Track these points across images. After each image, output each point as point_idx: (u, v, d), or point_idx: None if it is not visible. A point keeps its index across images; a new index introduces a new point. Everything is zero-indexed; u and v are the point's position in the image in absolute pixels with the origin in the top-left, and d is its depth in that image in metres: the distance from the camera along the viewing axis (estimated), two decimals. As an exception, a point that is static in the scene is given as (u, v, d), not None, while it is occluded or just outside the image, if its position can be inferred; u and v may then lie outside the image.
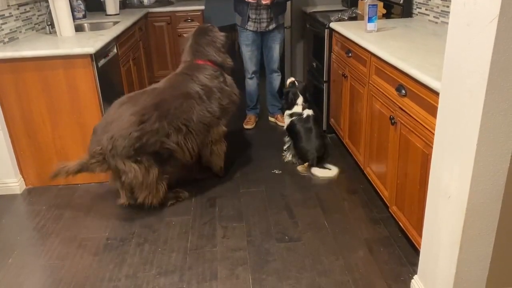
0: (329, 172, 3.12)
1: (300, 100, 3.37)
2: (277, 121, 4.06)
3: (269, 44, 3.77)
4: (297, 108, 3.36)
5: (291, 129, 3.36)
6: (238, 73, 4.20)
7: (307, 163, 3.19)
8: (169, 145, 2.61)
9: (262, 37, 3.76)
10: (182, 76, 2.82)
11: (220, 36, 3.04)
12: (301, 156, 3.26)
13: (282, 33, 3.82)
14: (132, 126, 2.49)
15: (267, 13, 3.58)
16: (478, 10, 1.36)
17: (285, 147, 3.45)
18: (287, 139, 3.46)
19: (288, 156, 3.36)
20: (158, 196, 2.67)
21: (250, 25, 3.65)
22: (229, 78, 2.99)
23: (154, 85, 2.86)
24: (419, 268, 1.97)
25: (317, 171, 3.13)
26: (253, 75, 3.91)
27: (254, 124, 4.07)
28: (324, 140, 3.45)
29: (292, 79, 3.54)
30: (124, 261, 2.35)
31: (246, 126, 4.04)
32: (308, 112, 3.34)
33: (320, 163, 3.19)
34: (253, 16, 3.60)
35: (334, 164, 3.22)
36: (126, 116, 2.52)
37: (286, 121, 3.46)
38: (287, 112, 3.44)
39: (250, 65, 3.86)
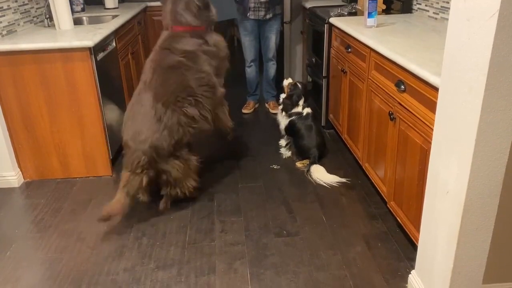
0: (327, 176, 3.01)
1: (301, 101, 3.37)
2: (269, 108, 4.28)
3: (266, 34, 4.01)
4: (297, 108, 3.36)
5: (291, 128, 3.35)
6: (238, 65, 4.30)
7: (305, 160, 3.19)
8: (192, 125, 2.62)
9: (259, 27, 3.99)
10: (162, 52, 2.73)
11: None
12: (302, 153, 3.25)
13: (279, 23, 4.05)
14: (158, 127, 2.50)
15: (265, 2, 3.83)
16: (478, 5, 1.36)
17: (284, 144, 3.45)
18: (285, 137, 3.44)
19: (288, 153, 3.36)
20: (194, 185, 2.68)
21: (251, 14, 3.89)
22: (213, 38, 2.89)
23: (142, 77, 2.74)
24: (417, 263, 1.98)
25: (316, 172, 3.03)
26: (251, 64, 4.17)
27: (252, 110, 4.31)
28: (323, 137, 3.45)
29: (291, 80, 3.51)
30: (122, 255, 2.35)
31: (244, 111, 4.28)
32: (307, 110, 3.35)
33: (319, 161, 3.18)
34: (252, 5, 3.84)
35: (333, 160, 3.23)
36: (146, 122, 2.51)
37: (283, 121, 3.43)
38: (285, 113, 3.42)
39: (249, 54, 4.12)
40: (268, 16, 3.90)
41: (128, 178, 2.51)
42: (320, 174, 3.02)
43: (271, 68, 4.18)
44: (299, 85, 3.44)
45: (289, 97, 3.41)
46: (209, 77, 2.74)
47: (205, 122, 2.71)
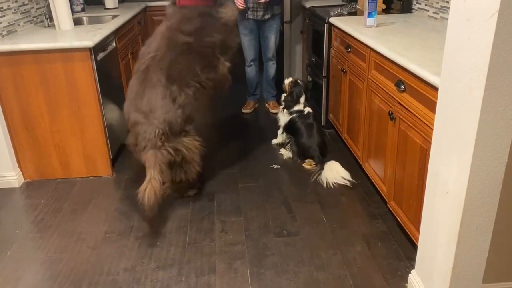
0: (341, 177, 2.97)
1: (303, 98, 3.38)
2: (269, 108, 4.29)
3: (266, 33, 4.03)
4: (299, 106, 3.36)
5: (292, 126, 3.35)
6: (238, 65, 4.31)
7: (309, 160, 3.19)
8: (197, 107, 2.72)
9: (259, 27, 4.01)
10: (169, 36, 2.70)
11: None
12: (303, 152, 3.25)
13: (278, 23, 4.06)
14: (172, 106, 2.57)
15: (263, 2, 3.82)
16: (478, 5, 1.36)
17: (277, 143, 3.48)
18: (282, 136, 3.45)
19: (288, 154, 3.36)
20: (198, 169, 2.73)
21: (250, 14, 3.90)
22: (220, 12, 2.85)
23: (149, 55, 2.69)
24: (417, 263, 1.98)
25: (329, 170, 2.99)
26: (251, 63, 4.18)
27: (252, 109, 4.33)
28: (324, 136, 3.45)
29: (291, 79, 3.52)
30: (123, 255, 2.35)
31: (244, 110, 4.30)
32: (308, 109, 3.35)
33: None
34: (251, 5, 3.85)
35: (333, 160, 3.23)
36: (159, 102, 2.55)
37: (283, 118, 3.44)
38: (286, 110, 3.43)
39: (248, 54, 4.13)
40: (266, 16, 3.91)
41: (154, 155, 2.52)
42: (333, 172, 2.97)
43: (271, 67, 4.19)
44: (300, 82, 3.45)
45: (289, 94, 3.41)
46: (211, 56, 2.77)
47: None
